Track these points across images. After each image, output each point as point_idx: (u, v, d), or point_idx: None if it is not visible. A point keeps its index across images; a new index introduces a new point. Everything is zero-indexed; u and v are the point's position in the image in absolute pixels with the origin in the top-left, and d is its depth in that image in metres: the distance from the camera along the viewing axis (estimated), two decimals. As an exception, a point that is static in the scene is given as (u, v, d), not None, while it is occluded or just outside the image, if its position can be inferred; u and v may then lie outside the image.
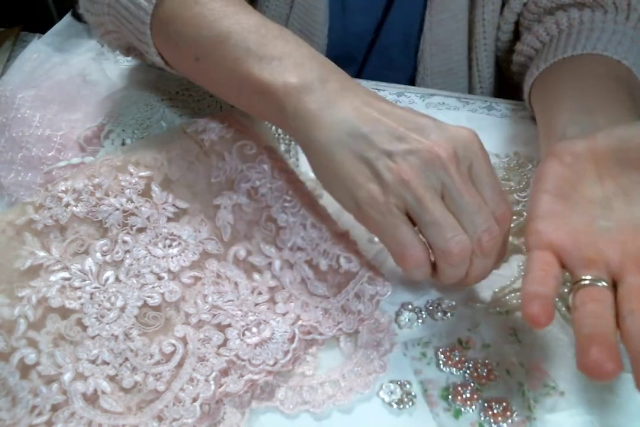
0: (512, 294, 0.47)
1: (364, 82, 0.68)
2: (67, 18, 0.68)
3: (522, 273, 0.49)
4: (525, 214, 0.52)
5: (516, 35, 0.69)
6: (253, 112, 0.49)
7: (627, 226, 0.38)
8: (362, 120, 0.39)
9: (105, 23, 0.55)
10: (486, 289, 0.48)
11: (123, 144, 0.57)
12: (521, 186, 0.55)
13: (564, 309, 0.46)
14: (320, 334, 0.44)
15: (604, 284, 0.36)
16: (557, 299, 0.47)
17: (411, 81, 0.76)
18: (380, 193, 0.38)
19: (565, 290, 0.47)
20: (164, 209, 0.48)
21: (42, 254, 0.47)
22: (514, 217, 0.52)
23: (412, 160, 0.38)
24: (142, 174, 0.49)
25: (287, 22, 0.73)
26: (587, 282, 0.36)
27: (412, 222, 0.39)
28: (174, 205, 0.49)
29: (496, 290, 0.48)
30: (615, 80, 0.52)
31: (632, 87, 0.52)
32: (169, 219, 0.48)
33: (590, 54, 0.54)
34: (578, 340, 0.34)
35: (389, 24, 0.74)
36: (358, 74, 0.77)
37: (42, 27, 0.71)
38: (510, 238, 0.51)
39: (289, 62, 0.43)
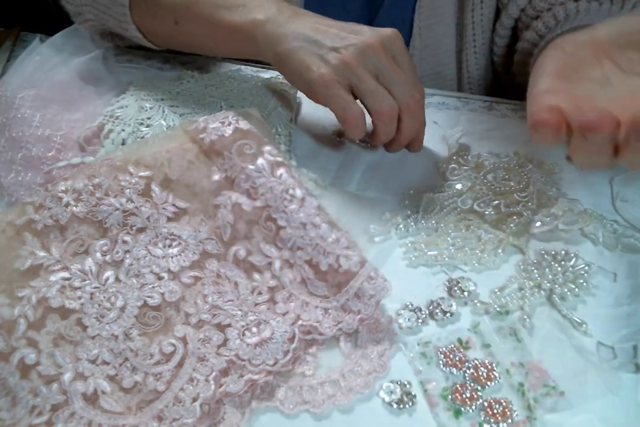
0: (513, 295, 0.47)
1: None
2: (73, 26, 0.68)
3: (523, 273, 0.49)
4: (525, 214, 0.52)
5: (514, 39, 0.70)
6: (230, 53, 0.62)
7: (625, 94, 0.42)
8: (313, 31, 0.52)
9: (83, 13, 0.66)
10: (486, 289, 0.48)
11: (123, 144, 0.57)
12: (521, 186, 0.55)
13: (565, 310, 0.46)
14: (320, 334, 0.44)
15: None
16: (557, 299, 0.47)
17: None
18: (328, 73, 0.50)
19: (566, 290, 0.47)
20: (164, 209, 0.48)
21: (42, 254, 0.46)
22: (514, 218, 0.52)
23: (352, 50, 0.50)
24: (142, 174, 0.49)
25: None
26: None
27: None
28: (173, 205, 0.49)
29: (496, 290, 0.48)
30: None
31: None
32: (169, 219, 0.48)
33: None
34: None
35: None
36: None
37: (42, 27, 0.71)
38: (510, 238, 0.51)
39: (251, 5, 0.55)
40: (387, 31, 0.52)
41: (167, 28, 0.61)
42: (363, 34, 0.51)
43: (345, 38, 0.51)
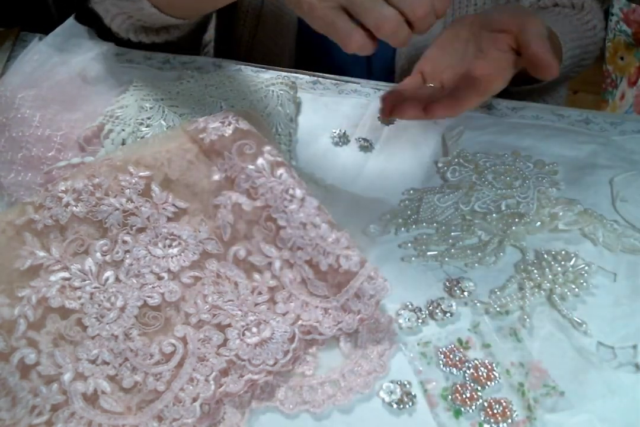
0: (513, 295, 0.47)
1: (365, 83, 0.68)
2: (70, 20, 0.68)
3: (523, 273, 0.49)
4: (525, 214, 0.52)
5: None
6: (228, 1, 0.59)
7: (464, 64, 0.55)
8: None
9: (108, 8, 0.67)
10: (486, 289, 0.48)
11: (123, 143, 0.57)
12: (521, 186, 0.55)
13: (565, 310, 0.46)
14: (320, 334, 0.44)
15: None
16: (557, 299, 0.47)
17: None
18: (315, 1, 0.46)
19: (566, 290, 0.47)
20: (163, 209, 0.48)
21: (42, 254, 0.46)
22: (514, 218, 0.52)
23: None
24: (142, 174, 0.49)
25: (261, 8, 0.78)
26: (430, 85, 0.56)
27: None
28: (173, 205, 0.49)
29: (496, 290, 0.48)
30: None
31: None
32: (169, 219, 0.48)
33: None
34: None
35: None
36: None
37: (42, 27, 0.71)
38: (511, 238, 0.51)
39: None
40: None
41: None
42: None
43: None
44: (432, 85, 0.56)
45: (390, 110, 0.52)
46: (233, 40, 0.83)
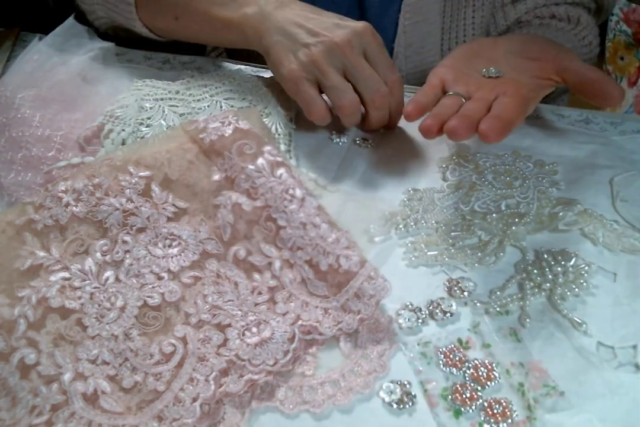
0: (513, 295, 0.47)
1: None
2: (70, 20, 0.68)
3: (523, 273, 0.49)
4: (525, 214, 0.52)
5: None
6: (227, 45, 0.70)
7: (500, 80, 0.54)
8: (292, 25, 0.56)
9: (95, 11, 0.72)
10: (486, 289, 0.48)
11: (123, 143, 0.57)
12: (521, 186, 0.55)
13: (565, 310, 0.46)
14: (320, 334, 0.44)
15: (463, 99, 0.52)
16: (557, 299, 0.47)
17: None
18: (297, 69, 0.55)
19: (566, 290, 0.47)
20: (163, 209, 0.48)
21: (42, 254, 0.46)
22: (514, 218, 0.52)
23: (320, 48, 0.54)
24: (142, 174, 0.49)
25: None
26: (451, 93, 0.53)
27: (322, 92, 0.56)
28: (173, 205, 0.49)
29: (496, 290, 0.48)
30: None
31: None
32: (169, 219, 0.48)
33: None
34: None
35: None
36: None
37: (42, 27, 0.71)
38: (511, 238, 0.51)
39: (240, 1, 0.60)
40: (358, 26, 0.55)
41: (169, 23, 0.66)
42: (334, 32, 0.55)
43: (317, 35, 0.55)
44: (455, 92, 0.52)
45: (437, 129, 0.49)
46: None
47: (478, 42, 0.60)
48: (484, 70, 0.55)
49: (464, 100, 0.52)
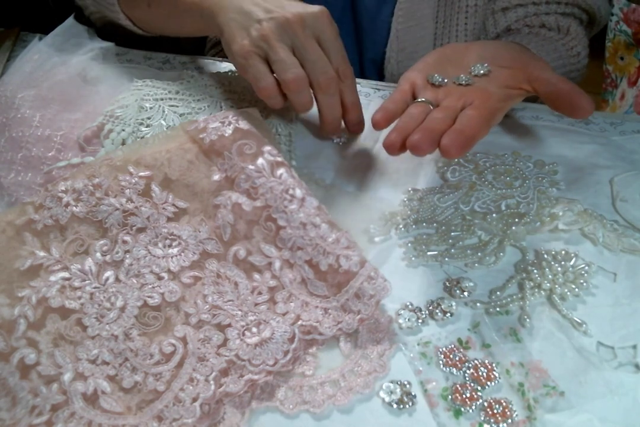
0: (513, 295, 0.47)
1: (365, 83, 0.68)
2: (69, 20, 0.68)
3: (523, 273, 0.49)
4: (525, 214, 0.52)
5: None
6: (192, 32, 0.67)
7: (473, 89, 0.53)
8: (248, 3, 0.55)
9: (88, 6, 0.73)
10: (486, 289, 0.48)
11: (123, 143, 0.57)
12: (521, 186, 0.55)
13: (565, 310, 0.46)
14: (320, 334, 0.44)
15: (431, 106, 0.51)
16: (557, 299, 0.47)
17: None
18: (247, 45, 0.53)
19: (566, 290, 0.47)
20: (163, 209, 0.48)
21: (42, 254, 0.47)
22: (514, 218, 0.52)
23: (272, 24, 0.53)
24: (142, 173, 0.49)
25: None
26: (419, 101, 0.52)
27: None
28: (173, 205, 0.49)
29: (496, 290, 0.48)
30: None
31: None
32: (169, 219, 0.48)
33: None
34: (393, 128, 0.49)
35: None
36: None
37: (42, 27, 0.71)
38: (511, 238, 0.51)
39: None
40: (314, 9, 0.54)
41: (143, 12, 0.66)
42: (288, 9, 0.54)
43: (271, 11, 0.54)
44: (423, 100, 0.52)
45: (400, 144, 0.48)
46: None
47: (451, 47, 0.58)
48: (455, 77, 0.54)
49: (431, 107, 0.51)
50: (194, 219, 0.48)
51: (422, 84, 0.54)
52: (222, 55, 0.90)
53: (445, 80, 0.53)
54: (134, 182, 0.49)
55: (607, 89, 1.34)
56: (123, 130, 0.58)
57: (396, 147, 0.47)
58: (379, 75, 0.79)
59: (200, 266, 0.47)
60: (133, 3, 0.67)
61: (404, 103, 0.52)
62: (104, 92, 0.63)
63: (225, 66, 0.71)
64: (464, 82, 0.53)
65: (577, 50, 0.70)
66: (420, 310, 0.47)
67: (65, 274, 0.46)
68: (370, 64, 0.81)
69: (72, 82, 0.63)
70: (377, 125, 0.51)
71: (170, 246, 0.47)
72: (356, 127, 0.61)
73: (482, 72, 0.53)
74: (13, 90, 0.60)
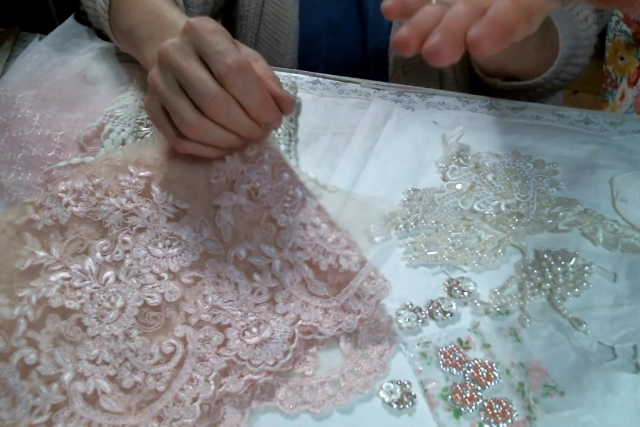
0: (513, 295, 0.47)
1: (365, 83, 0.68)
2: (69, 20, 0.68)
3: (523, 273, 0.49)
4: (525, 214, 0.52)
5: None
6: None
7: None
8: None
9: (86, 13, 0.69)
10: (486, 289, 0.48)
11: (123, 143, 0.57)
12: (521, 186, 0.55)
13: (565, 310, 0.46)
14: (320, 334, 0.44)
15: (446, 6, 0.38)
16: (557, 299, 0.47)
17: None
18: (146, 100, 0.47)
19: (566, 290, 0.47)
20: (164, 209, 0.48)
21: (42, 254, 0.46)
22: (514, 218, 0.52)
23: (155, 67, 0.46)
24: (142, 174, 0.49)
25: (262, 5, 0.77)
26: (435, 3, 0.39)
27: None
28: (174, 205, 0.49)
29: (496, 290, 0.48)
30: None
31: None
32: (169, 219, 0.48)
33: None
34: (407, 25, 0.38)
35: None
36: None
37: (42, 27, 0.71)
38: (510, 238, 0.51)
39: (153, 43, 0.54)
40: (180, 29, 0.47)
41: (124, 37, 0.62)
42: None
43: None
44: (435, 2, 0.39)
45: (415, 42, 0.37)
46: (238, 40, 0.84)
47: None
48: None
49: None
50: (194, 219, 0.48)
51: None
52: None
53: None
54: (134, 183, 0.49)
55: (607, 89, 1.34)
56: (123, 130, 0.58)
57: (410, 43, 0.37)
58: (382, 64, 0.79)
59: (200, 266, 0.47)
60: (119, 33, 0.64)
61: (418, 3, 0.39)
62: (104, 92, 0.63)
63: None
64: None
65: (584, 14, 0.61)
66: (420, 310, 0.47)
67: (65, 274, 0.46)
68: (373, 53, 0.80)
69: (72, 82, 0.63)
70: (389, 13, 0.39)
71: (170, 246, 0.47)
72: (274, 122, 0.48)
73: None
74: (13, 90, 0.60)
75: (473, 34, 0.35)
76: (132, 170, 0.49)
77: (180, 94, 0.45)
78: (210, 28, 0.45)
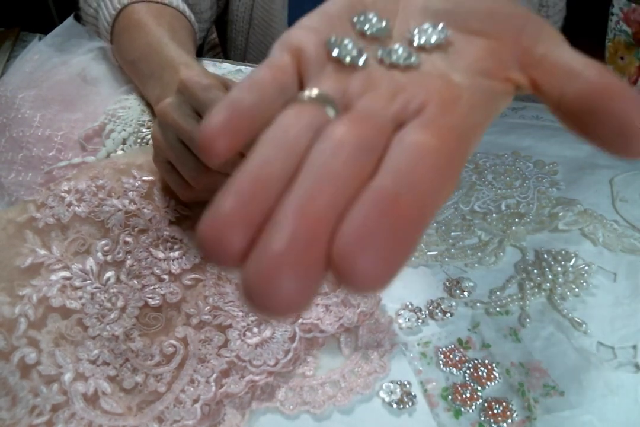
0: (513, 295, 0.47)
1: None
2: (69, 20, 0.68)
3: (523, 273, 0.49)
4: (525, 214, 0.52)
5: None
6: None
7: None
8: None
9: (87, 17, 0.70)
10: (486, 289, 0.48)
11: (124, 143, 0.57)
12: (521, 186, 0.55)
13: (565, 310, 0.46)
14: (322, 331, 0.44)
15: (331, 110, 0.23)
16: (557, 299, 0.47)
17: None
18: (154, 155, 0.48)
19: (566, 290, 0.47)
20: (165, 212, 0.48)
21: (42, 252, 0.47)
22: (514, 218, 0.52)
23: (155, 126, 0.47)
24: (145, 178, 0.49)
25: (251, 10, 0.77)
26: (308, 96, 0.23)
27: None
28: (175, 210, 0.49)
29: (496, 290, 0.48)
30: None
31: None
32: (171, 222, 0.48)
33: None
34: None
35: None
36: None
37: (42, 27, 0.71)
38: (510, 238, 0.51)
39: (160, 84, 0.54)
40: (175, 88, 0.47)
41: (128, 66, 0.63)
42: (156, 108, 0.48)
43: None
44: (315, 93, 0.23)
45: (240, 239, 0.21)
46: (229, 44, 0.84)
47: None
48: (380, 51, 0.26)
49: (331, 114, 0.23)
50: (196, 224, 0.48)
51: (316, 55, 0.25)
52: (221, 56, 0.90)
53: (363, 57, 0.25)
54: (138, 185, 0.49)
55: (607, 88, 1.34)
56: (124, 130, 0.58)
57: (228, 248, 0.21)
58: None
59: (201, 269, 0.47)
60: (120, 56, 0.64)
61: (276, 92, 0.24)
62: (104, 92, 0.63)
63: (225, 67, 0.71)
64: (400, 60, 0.25)
65: None
66: (420, 310, 0.47)
67: (66, 274, 0.46)
68: None
69: (72, 82, 0.63)
70: (208, 150, 0.23)
71: (171, 248, 0.47)
72: None
73: (434, 40, 0.26)
74: (13, 91, 0.60)
75: (344, 248, 0.18)
76: (135, 173, 0.49)
77: (183, 151, 0.45)
78: (203, 85, 0.45)
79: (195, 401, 0.41)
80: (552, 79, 0.25)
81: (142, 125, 0.58)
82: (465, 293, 0.48)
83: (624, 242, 0.51)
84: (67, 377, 0.42)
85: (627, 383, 0.43)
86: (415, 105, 0.23)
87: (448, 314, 0.47)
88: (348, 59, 0.25)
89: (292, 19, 0.77)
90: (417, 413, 0.42)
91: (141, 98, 0.61)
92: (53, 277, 0.46)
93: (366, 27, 0.26)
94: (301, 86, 0.25)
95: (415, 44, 0.26)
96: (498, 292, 0.48)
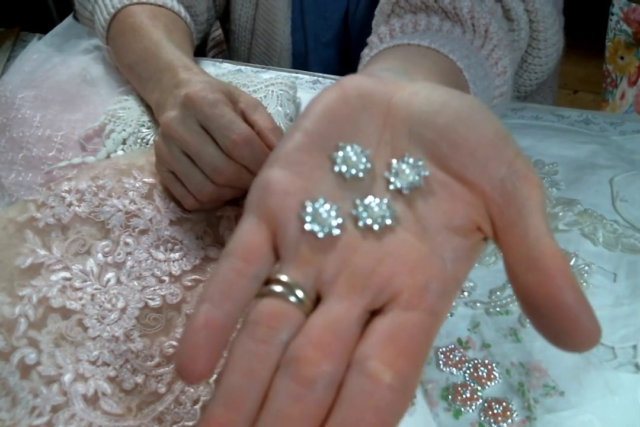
0: (513, 295, 0.47)
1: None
2: (69, 19, 0.68)
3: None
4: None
5: None
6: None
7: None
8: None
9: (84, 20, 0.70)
10: (486, 289, 0.48)
11: (124, 143, 0.57)
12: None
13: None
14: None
15: (306, 303, 0.23)
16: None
17: None
18: (156, 165, 0.49)
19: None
20: (166, 212, 0.48)
21: (43, 252, 0.47)
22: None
23: (159, 138, 0.48)
24: (146, 179, 0.49)
25: (254, 21, 0.77)
26: (279, 289, 0.23)
27: None
28: (176, 211, 0.49)
29: (496, 290, 0.48)
30: (439, 65, 0.39)
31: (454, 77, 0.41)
32: (172, 222, 0.48)
33: (432, 49, 0.40)
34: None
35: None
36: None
37: (42, 27, 0.71)
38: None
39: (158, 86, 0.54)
40: (180, 101, 0.47)
41: (125, 69, 0.62)
42: (161, 118, 0.49)
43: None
44: (276, 290, 0.22)
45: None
46: (232, 53, 0.84)
47: (349, 103, 0.26)
48: (354, 210, 0.24)
49: (299, 300, 0.22)
50: (197, 226, 0.48)
51: (292, 229, 0.23)
52: (223, 56, 0.90)
53: (336, 230, 0.24)
54: (138, 186, 0.49)
55: (607, 88, 1.34)
56: (124, 130, 0.58)
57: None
58: None
59: (202, 270, 0.47)
60: (117, 57, 0.64)
61: (244, 290, 0.23)
62: (104, 92, 0.63)
63: (226, 67, 0.71)
64: (376, 223, 0.24)
65: (502, 64, 0.45)
66: (421, 310, 0.47)
67: (67, 274, 0.46)
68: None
69: (72, 82, 0.63)
70: (189, 373, 0.21)
71: (172, 249, 0.47)
72: None
73: (412, 181, 0.25)
74: (13, 91, 0.60)
75: None
76: (136, 174, 0.49)
77: (188, 164, 0.46)
78: (209, 100, 0.46)
79: (195, 402, 0.41)
80: (515, 255, 0.24)
81: (142, 125, 0.58)
82: (465, 293, 0.48)
83: (624, 242, 0.51)
84: (67, 377, 0.42)
85: (627, 383, 0.43)
86: (386, 297, 0.23)
87: (448, 314, 0.47)
88: (321, 235, 0.23)
89: (294, 32, 0.76)
90: (417, 413, 0.42)
91: (141, 98, 0.61)
92: (53, 277, 0.46)
93: (344, 169, 0.25)
94: (276, 257, 0.24)
95: (391, 187, 0.25)
96: (498, 292, 0.48)
